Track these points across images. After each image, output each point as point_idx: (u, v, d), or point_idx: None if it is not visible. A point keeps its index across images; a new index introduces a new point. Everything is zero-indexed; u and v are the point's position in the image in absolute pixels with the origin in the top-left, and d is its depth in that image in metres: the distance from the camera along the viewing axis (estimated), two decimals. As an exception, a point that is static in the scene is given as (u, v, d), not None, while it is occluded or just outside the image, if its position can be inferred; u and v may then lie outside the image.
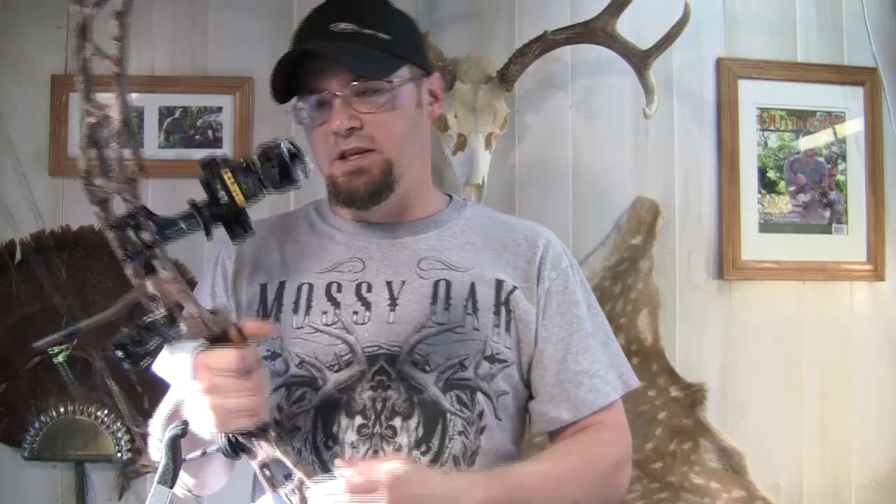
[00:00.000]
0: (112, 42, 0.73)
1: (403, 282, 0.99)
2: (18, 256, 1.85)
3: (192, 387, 0.79)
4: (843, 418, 2.06)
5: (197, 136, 1.96)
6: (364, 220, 1.04)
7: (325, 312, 0.98)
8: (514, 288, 1.01)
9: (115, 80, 0.71)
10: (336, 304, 0.98)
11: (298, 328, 0.98)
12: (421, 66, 1.02)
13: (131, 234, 0.71)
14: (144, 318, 0.75)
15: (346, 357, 0.96)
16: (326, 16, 0.98)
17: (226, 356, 0.77)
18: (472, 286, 0.99)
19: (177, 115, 1.96)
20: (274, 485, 0.81)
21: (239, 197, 0.73)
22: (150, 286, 0.74)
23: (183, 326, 0.74)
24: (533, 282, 1.02)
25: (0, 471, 1.85)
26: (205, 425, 0.81)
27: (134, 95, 1.95)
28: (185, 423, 0.83)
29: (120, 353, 0.74)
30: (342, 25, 0.96)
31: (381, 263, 1.01)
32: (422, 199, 1.06)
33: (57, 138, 1.92)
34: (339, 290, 0.99)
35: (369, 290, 0.99)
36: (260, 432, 0.80)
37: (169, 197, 1.90)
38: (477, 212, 1.11)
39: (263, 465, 0.81)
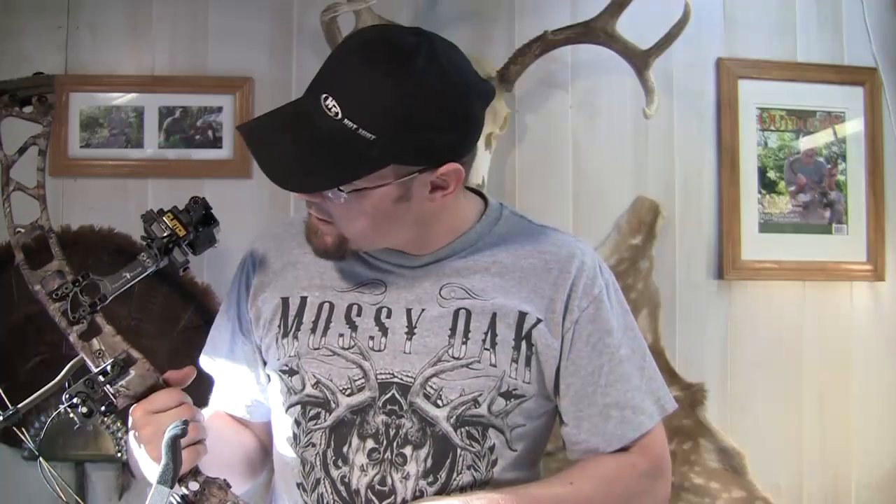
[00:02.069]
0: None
1: (423, 309, 0.96)
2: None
3: (136, 436, 0.87)
4: (843, 418, 2.06)
5: (197, 136, 1.96)
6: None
7: (341, 335, 0.97)
8: (538, 321, 0.96)
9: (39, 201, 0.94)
10: (354, 327, 0.97)
11: (315, 349, 0.97)
12: (420, 162, 0.88)
13: (78, 298, 0.86)
14: (94, 372, 0.85)
15: (358, 382, 0.95)
16: (329, 77, 0.88)
17: (164, 395, 0.86)
18: (493, 318, 0.95)
19: (177, 115, 1.96)
20: None
21: (180, 230, 0.89)
22: (96, 343, 0.86)
23: (132, 372, 0.86)
24: (559, 313, 0.97)
25: (0, 471, 1.85)
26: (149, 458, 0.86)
27: (134, 95, 1.95)
28: (185, 422, 0.83)
29: (77, 401, 0.84)
30: (330, 102, 0.84)
31: (404, 289, 0.98)
32: (444, 230, 0.99)
33: (57, 138, 1.92)
34: (358, 314, 0.97)
35: (388, 315, 0.97)
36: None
37: (168, 197, 1.89)
38: (511, 226, 1.03)
39: None
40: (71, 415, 0.84)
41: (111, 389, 0.85)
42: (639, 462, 0.98)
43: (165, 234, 0.88)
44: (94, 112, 1.95)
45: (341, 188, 0.86)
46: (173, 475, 0.80)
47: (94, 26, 1.95)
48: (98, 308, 0.87)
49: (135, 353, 0.86)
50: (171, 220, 0.90)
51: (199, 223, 0.90)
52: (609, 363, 0.98)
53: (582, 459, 0.99)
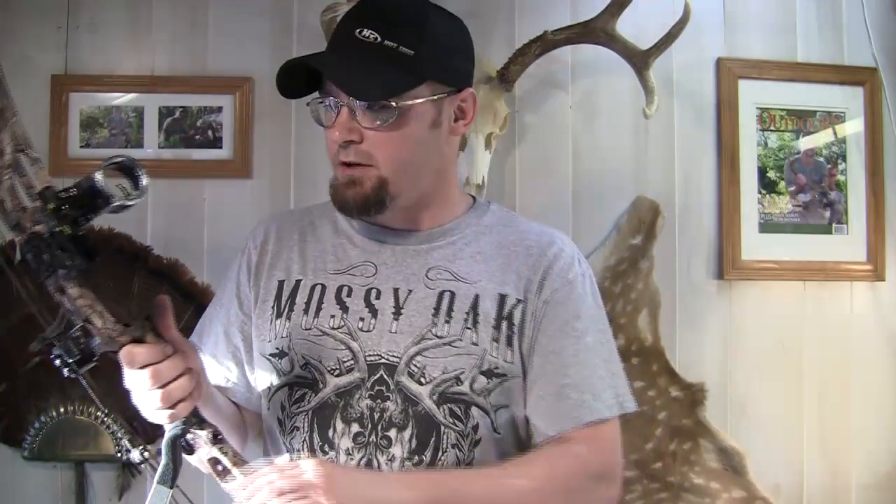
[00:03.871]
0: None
1: (410, 290, 0.99)
2: (18, 256, 1.85)
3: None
4: (843, 418, 2.06)
5: (197, 136, 1.96)
6: (383, 225, 1.03)
7: (332, 316, 0.99)
8: (518, 301, 0.99)
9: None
10: (345, 308, 0.99)
11: (307, 329, 0.99)
12: (448, 82, 0.98)
13: (40, 256, 0.82)
14: (69, 333, 0.82)
15: (347, 363, 0.97)
16: (358, 17, 0.96)
17: (123, 354, 0.82)
18: (476, 299, 0.98)
19: (177, 115, 1.96)
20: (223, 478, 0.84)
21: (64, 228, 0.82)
22: (66, 303, 0.81)
23: (97, 339, 0.81)
24: (534, 293, 1.00)
25: (0, 471, 1.85)
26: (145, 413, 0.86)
27: (134, 95, 1.95)
28: (186, 422, 0.83)
29: (58, 364, 0.81)
30: (366, 32, 0.93)
31: (393, 270, 1.01)
32: (440, 206, 1.04)
33: (57, 138, 1.92)
34: (349, 295, 1.00)
35: (378, 296, 0.99)
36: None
37: (168, 197, 1.90)
38: (497, 218, 1.08)
39: (214, 461, 0.84)
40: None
41: (86, 348, 0.82)
42: (584, 454, 0.96)
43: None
44: (94, 112, 1.95)
45: (393, 102, 0.93)
46: (173, 475, 0.80)
47: (94, 26, 1.95)
48: (55, 270, 0.82)
49: (97, 322, 0.82)
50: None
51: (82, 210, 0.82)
52: (574, 346, 0.99)
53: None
